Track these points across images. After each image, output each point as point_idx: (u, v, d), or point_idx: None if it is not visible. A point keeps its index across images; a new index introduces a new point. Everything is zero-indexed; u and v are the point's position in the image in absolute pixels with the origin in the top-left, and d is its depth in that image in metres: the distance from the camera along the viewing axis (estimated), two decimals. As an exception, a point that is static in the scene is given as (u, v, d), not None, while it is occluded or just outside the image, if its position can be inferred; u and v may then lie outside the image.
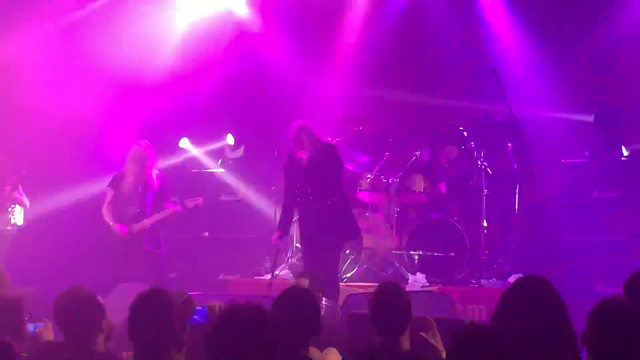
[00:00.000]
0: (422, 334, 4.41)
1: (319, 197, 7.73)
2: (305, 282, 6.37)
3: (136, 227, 8.26)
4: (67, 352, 4.24)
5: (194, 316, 4.72)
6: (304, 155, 7.69)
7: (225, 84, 10.56)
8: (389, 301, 4.38)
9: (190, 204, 8.40)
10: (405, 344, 4.33)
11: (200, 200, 8.48)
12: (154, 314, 3.67)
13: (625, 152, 8.78)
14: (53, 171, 9.78)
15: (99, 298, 4.44)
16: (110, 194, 8.40)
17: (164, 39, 10.40)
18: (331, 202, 7.73)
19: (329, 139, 8.56)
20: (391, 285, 4.68)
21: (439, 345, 4.42)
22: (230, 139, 10.68)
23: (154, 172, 8.40)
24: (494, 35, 9.92)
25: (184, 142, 10.58)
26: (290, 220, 8.11)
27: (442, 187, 9.51)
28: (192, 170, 10.53)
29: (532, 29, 9.66)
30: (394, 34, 10.33)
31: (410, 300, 4.43)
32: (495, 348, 3.16)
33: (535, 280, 3.84)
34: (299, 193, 7.80)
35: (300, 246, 8.46)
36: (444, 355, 4.34)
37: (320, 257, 7.71)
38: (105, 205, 8.38)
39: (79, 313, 4.28)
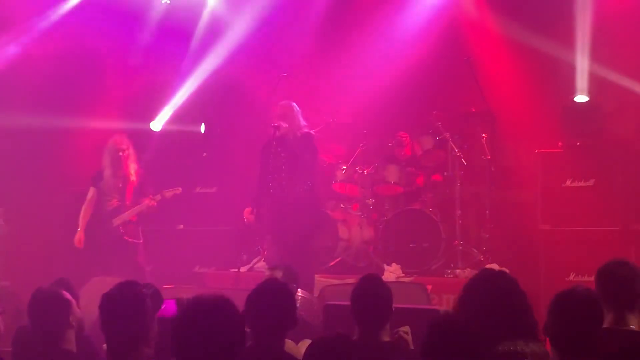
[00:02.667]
0: (397, 330, 4.45)
1: (292, 181, 7.72)
2: (279, 274, 6.34)
3: (116, 221, 8.30)
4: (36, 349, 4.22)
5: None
6: (283, 125, 7.69)
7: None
8: (372, 293, 4.41)
9: (168, 194, 8.44)
10: (384, 335, 4.35)
11: (179, 190, 8.52)
12: (127, 306, 3.64)
13: (582, 99, 8.87)
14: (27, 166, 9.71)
15: (66, 293, 4.40)
16: (91, 192, 8.46)
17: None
18: (303, 188, 7.73)
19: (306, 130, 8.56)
20: (374, 276, 4.72)
21: (409, 338, 4.47)
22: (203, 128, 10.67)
23: (132, 166, 8.39)
24: (468, 25, 9.93)
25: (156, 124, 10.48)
26: (262, 197, 8.01)
27: (417, 178, 9.53)
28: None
29: (505, 20, 9.67)
30: (367, 23, 10.32)
31: (391, 293, 4.46)
32: (467, 338, 3.19)
33: (493, 274, 3.98)
34: (272, 176, 7.78)
35: (271, 236, 8.44)
36: (412, 346, 4.40)
37: (292, 247, 7.70)
38: (85, 204, 8.45)
39: (43, 311, 4.26)
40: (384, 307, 4.39)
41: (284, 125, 7.75)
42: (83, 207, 8.44)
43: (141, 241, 8.52)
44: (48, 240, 9.57)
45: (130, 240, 8.40)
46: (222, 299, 3.06)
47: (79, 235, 8.36)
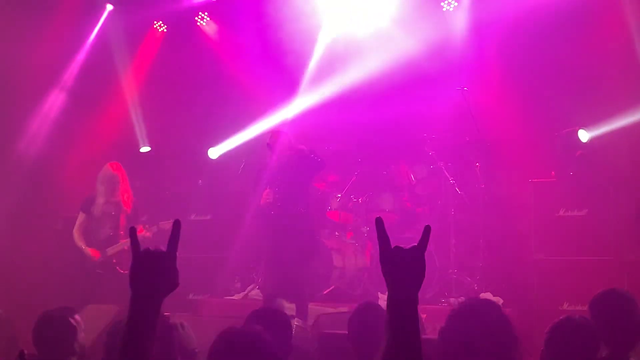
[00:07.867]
0: None
1: (286, 203, 7.72)
2: (274, 302, 6.34)
3: (110, 250, 8.24)
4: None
5: None
6: (277, 147, 7.75)
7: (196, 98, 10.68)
8: (370, 320, 4.44)
9: (165, 225, 8.36)
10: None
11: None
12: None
13: (584, 138, 8.89)
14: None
15: (73, 320, 4.41)
16: (81, 217, 8.40)
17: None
18: (298, 210, 7.74)
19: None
20: (373, 304, 4.76)
21: None
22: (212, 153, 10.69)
23: (126, 195, 8.37)
24: (465, 56, 10.00)
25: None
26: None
27: (411, 206, 9.55)
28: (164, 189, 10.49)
29: (502, 52, 9.76)
30: (362, 51, 10.39)
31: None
32: None
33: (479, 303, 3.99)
34: (267, 197, 7.80)
35: (266, 261, 8.43)
36: None
37: (287, 270, 7.69)
38: (76, 228, 8.38)
39: (49, 335, 4.26)
40: (381, 333, 4.43)
41: (279, 146, 7.81)
42: (74, 232, 8.33)
43: None
44: (40, 267, 9.54)
45: (123, 272, 8.28)
46: (257, 334, 3.01)
47: (91, 251, 8.20)
